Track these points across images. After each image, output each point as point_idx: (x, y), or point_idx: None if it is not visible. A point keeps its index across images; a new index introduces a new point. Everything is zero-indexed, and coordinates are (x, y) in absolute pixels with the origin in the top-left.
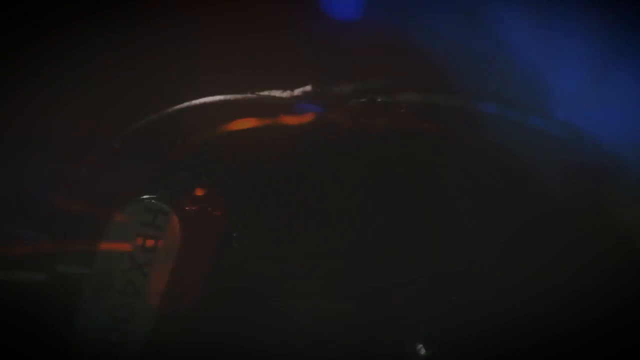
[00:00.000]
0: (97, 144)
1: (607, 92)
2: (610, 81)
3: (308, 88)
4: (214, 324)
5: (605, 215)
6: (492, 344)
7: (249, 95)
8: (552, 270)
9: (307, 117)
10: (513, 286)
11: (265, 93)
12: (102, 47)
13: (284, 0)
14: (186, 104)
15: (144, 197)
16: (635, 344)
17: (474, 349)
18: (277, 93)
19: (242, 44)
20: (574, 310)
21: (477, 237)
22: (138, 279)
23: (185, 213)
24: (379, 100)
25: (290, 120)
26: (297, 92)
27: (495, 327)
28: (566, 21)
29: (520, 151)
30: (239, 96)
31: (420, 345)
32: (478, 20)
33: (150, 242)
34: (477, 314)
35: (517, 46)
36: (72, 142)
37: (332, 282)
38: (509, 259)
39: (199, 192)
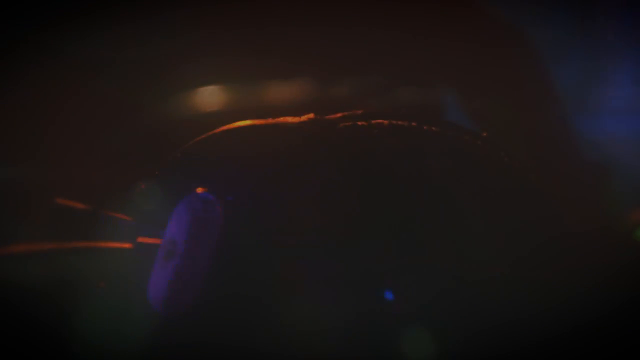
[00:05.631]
0: (97, 143)
1: (607, 92)
2: (610, 80)
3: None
4: (213, 323)
5: (606, 214)
6: (492, 343)
7: (248, 94)
8: (552, 270)
9: (306, 118)
10: (513, 285)
11: (265, 93)
12: (101, 46)
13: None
14: (186, 103)
15: (145, 196)
16: (635, 344)
17: (474, 348)
18: (277, 93)
19: (241, 42)
20: (574, 310)
21: (477, 236)
22: (138, 278)
23: (186, 212)
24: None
25: (290, 120)
26: (298, 91)
27: (496, 327)
28: (565, 20)
29: (520, 150)
30: (239, 95)
31: (421, 345)
32: (478, 18)
33: (151, 241)
34: (477, 313)
35: (515, 45)
36: (72, 142)
37: (332, 282)
38: (509, 258)
39: (199, 191)
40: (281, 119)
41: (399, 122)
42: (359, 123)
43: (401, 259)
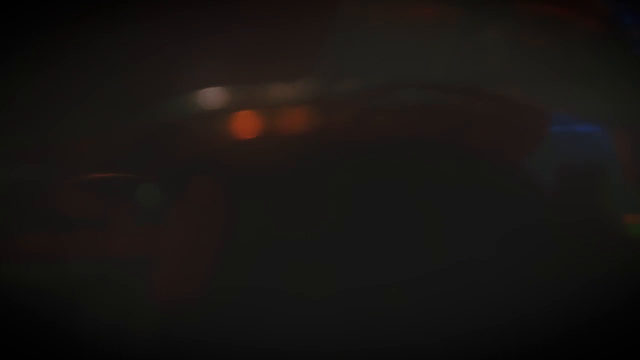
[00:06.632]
0: (97, 143)
1: (607, 91)
2: (610, 80)
3: (307, 86)
4: (214, 323)
5: (606, 214)
6: (492, 343)
7: (249, 94)
8: (552, 270)
9: (307, 117)
10: (511, 286)
11: (264, 90)
12: (100, 45)
13: None
14: (187, 103)
15: (145, 195)
16: (635, 344)
17: (473, 348)
18: (276, 91)
19: (242, 42)
20: (574, 311)
21: (477, 236)
22: (139, 279)
23: (186, 212)
24: (378, 99)
25: (290, 120)
26: (296, 90)
27: (493, 327)
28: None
29: (520, 150)
30: (239, 95)
31: (418, 344)
32: (476, 17)
33: (151, 241)
34: (476, 312)
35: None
36: (72, 141)
37: (332, 281)
38: (508, 259)
39: (200, 191)
40: (281, 119)
41: (400, 122)
42: (360, 123)
43: (402, 258)
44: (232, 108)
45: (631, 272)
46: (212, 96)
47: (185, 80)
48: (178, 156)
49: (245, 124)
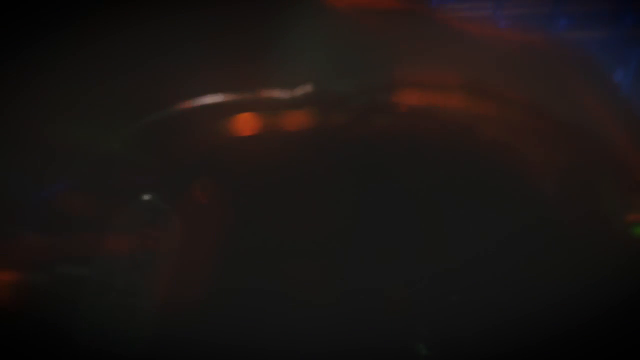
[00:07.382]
0: (96, 143)
1: (607, 90)
2: (610, 78)
3: (308, 88)
4: (214, 323)
5: (605, 214)
6: (492, 344)
7: (248, 94)
8: (552, 270)
9: (307, 117)
10: (513, 286)
11: (265, 93)
12: (100, 45)
13: None
14: (187, 103)
15: (145, 196)
16: (635, 344)
17: (474, 348)
18: (277, 93)
19: (242, 42)
20: (574, 311)
21: (477, 236)
22: (139, 279)
23: (186, 212)
24: (379, 99)
25: (291, 119)
26: (298, 91)
27: (496, 327)
28: (566, 17)
29: (520, 150)
30: (238, 96)
31: (420, 345)
32: (475, 17)
33: (150, 242)
34: (477, 313)
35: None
36: (74, 142)
37: (332, 281)
38: (509, 259)
39: (200, 191)
40: (282, 119)
41: (400, 122)
42: (360, 123)
43: (402, 257)
44: (232, 108)
45: (632, 272)
46: (212, 97)
47: (186, 81)
48: (178, 156)
49: (246, 124)
